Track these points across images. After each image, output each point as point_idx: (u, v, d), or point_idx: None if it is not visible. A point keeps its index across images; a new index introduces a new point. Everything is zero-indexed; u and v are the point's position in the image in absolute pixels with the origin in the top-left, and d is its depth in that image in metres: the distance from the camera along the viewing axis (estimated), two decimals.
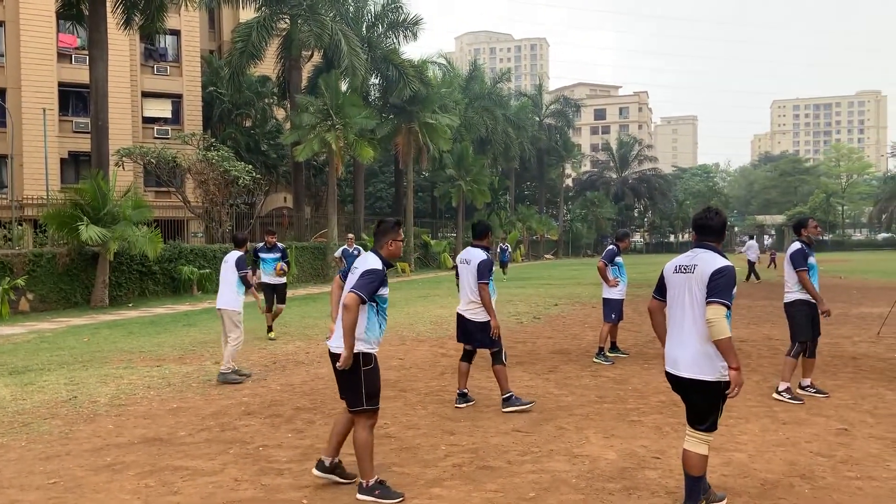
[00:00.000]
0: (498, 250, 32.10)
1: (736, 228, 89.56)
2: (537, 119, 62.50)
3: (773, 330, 12.34)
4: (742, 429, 6.09)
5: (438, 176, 44.77)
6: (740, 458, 5.34)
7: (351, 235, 16.75)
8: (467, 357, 7.13)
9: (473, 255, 6.89)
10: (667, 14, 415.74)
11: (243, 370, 8.85)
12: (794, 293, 7.37)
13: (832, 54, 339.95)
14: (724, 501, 4.40)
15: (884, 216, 74.61)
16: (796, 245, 7.39)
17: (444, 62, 44.82)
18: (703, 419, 4.14)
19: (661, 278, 4.41)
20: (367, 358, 4.56)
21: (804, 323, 7.34)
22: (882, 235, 79.99)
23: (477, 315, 6.88)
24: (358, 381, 4.55)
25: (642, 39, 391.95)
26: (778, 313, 12.73)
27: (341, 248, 15.81)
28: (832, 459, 5.28)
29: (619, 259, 9.75)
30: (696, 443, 4.15)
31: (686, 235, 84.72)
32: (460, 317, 7.05)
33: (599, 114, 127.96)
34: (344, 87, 32.01)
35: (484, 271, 6.73)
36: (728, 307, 3.96)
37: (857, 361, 9.33)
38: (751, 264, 26.55)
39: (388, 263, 4.71)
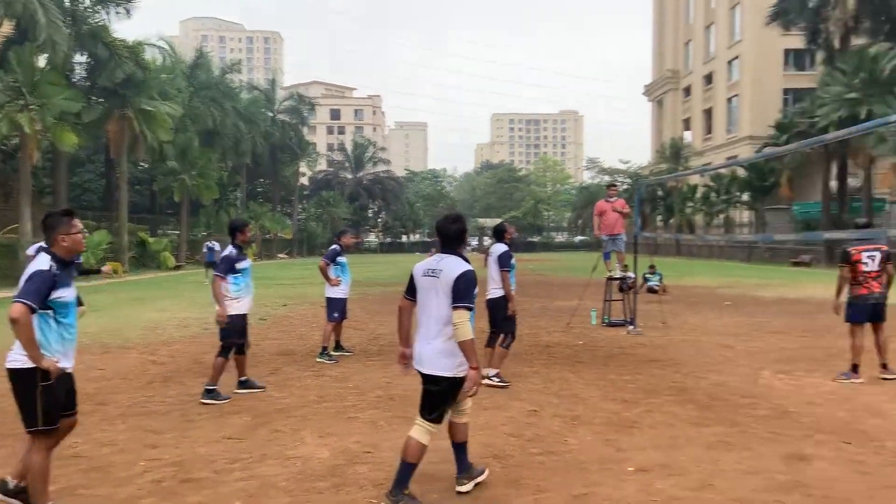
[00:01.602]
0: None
1: None
2: (270, 115, 61.01)
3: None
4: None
5: (159, 168, 41.36)
6: (445, 444, 5.63)
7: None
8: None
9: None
10: (397, 23, 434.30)
11: None
12: (501, 289, 8.10)
13: (543, 76, 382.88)
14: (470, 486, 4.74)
15: (580, 221, 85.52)
16: (503, 247, 8.16)
17: (164, 45, 41.58)
18: (433, 410, 4.47)
19: (412, 279, 4.65)
20: (46, 374, 3.99)
21: (510, 316, 8.12)
22: (578, 238, 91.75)
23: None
24: (33, 400, 4.00)
25: (380, 43, 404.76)
26: None
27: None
28: (521, 439, 5.84)
29: (341, 258, 9.82)
30: (422, 432, 4.44)
31: (417, 236, 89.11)
32: None
33: (335, 114, 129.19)
34: (42, 62, 28.18)
35: (223, 267, 7.59)
36: (471, 309, 4.30)
37: (549, 349, 10.49)
38: None
39: (64, 262, 4.18)
